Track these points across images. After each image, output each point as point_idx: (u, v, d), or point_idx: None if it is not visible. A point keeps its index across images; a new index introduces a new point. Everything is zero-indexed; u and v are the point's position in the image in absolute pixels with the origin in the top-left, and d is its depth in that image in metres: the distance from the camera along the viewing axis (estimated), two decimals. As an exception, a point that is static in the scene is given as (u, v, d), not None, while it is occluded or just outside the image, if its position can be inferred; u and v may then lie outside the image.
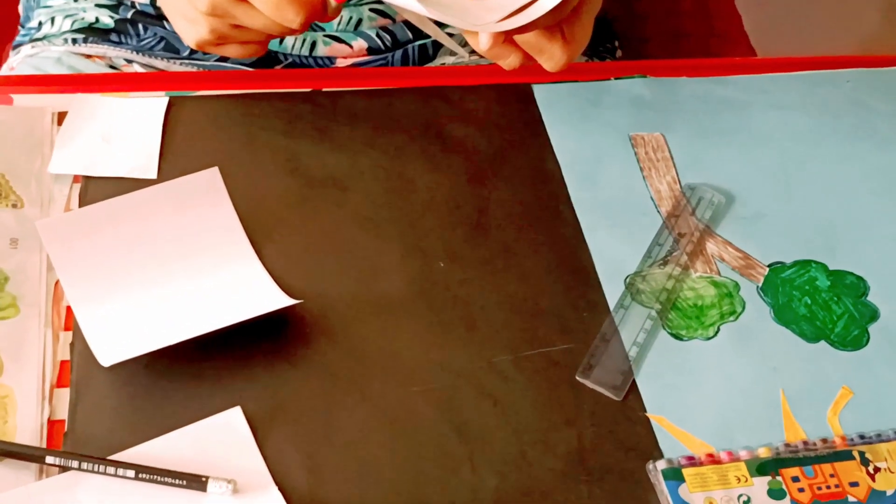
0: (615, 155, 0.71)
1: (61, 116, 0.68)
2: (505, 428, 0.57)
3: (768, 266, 0.65)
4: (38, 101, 0.68)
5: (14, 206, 0.63)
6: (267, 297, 0.59)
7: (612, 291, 0.63)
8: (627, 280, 0.64)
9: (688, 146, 0.71)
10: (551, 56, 0.57)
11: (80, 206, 0.63)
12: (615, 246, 0.65)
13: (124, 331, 0.57)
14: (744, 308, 0.63)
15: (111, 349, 0.56)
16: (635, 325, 0.61)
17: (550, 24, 0.55)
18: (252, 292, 0.60)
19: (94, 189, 0.64)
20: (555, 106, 0.72)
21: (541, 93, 0.73)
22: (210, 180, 0.61)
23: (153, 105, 0.69)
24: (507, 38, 0.56)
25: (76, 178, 0.65)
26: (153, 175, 0.65)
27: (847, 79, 0.77)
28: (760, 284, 0.64)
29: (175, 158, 0.66)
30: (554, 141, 0.71)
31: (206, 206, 0.61)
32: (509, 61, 0.58)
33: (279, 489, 0.53)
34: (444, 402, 0.57)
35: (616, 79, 0.75)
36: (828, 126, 0.74)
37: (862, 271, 0.65)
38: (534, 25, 0.54)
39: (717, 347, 0.61)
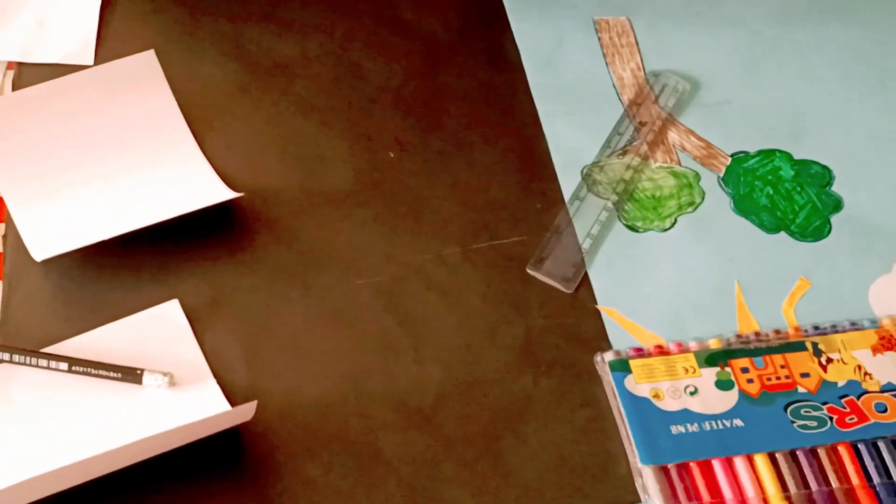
0: (577, 40, 0.67)
1: (-5, 0, 0.64)
2: (451, 320, 0.55)
3: (731, 156, 0.63)
4: (-29, -15, 0.65)
5: (-56, 94, 0.60)
6: (208, 190, 0.57)
7: (569, 182, 0.61)
8: (584, 171, 0.61)
9: (654, 31, 0.68)
10: None
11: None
12: (573, 135, 0.63)
13: (59, 223, 0.55)
14: (703, 199, 0.61)
15: (45, 243, 0.54)
16: (590, 217, 0.60)
17: None
18: (192, 184, 0.58)
19: (29, 75, 0.61)
20: (516, -11, 0.69)
21: (501, -25, 0.70)
22: (147, 64, 0.58)
23: (91, -12, 0.66)
24: None
25: (10, 65, 0.62)
26: (90, 61, 0.62)
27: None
28: (722, 174, 0.62)
29: (113, 43, 0.63)
30: (514, 25, 0.67)
31: (143, 90, 0.58)
32: None
33: (217, 382, 0.52)
34: (389, 294, 0.56)
35: (581, -40, 0.71)
36: (801, 7, 0.70)
37: (828, 160, 0.63)
38: None
39: (673, 239, 0.59)
